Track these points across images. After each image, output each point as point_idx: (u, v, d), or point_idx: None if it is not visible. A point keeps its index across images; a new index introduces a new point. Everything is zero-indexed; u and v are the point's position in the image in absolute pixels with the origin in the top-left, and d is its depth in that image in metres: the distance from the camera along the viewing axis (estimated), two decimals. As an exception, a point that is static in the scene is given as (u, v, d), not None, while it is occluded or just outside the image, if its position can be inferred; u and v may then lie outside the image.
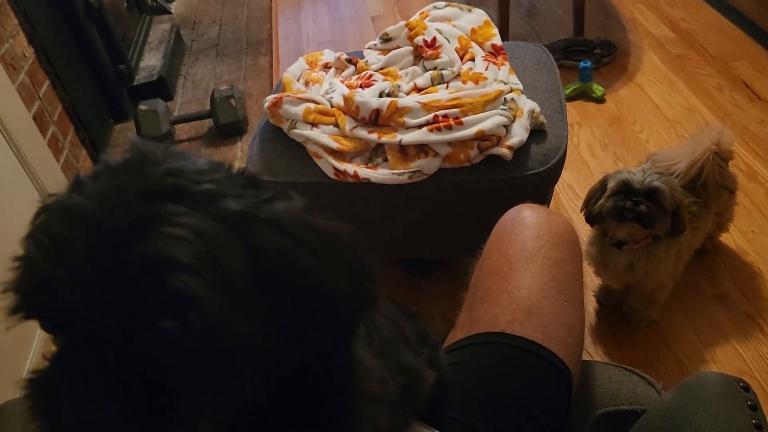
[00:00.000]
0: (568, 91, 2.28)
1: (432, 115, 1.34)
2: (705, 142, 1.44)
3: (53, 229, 0.40)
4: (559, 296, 0.85)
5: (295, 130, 1.41)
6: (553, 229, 0.92)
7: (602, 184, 1.39)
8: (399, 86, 1.46)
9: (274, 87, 2.50)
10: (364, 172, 1.34)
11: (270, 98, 1.46)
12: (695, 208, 1.44)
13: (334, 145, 1.37)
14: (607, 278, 1.54)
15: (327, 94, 1.49)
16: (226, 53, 2.90)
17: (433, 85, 1.47)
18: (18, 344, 1.64)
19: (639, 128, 2.17)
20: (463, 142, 1.32)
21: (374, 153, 1.38)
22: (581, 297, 0.90)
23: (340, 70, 1.63)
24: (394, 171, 1.33)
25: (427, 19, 1.64)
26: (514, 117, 1.37)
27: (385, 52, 1.62)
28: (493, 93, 1.37)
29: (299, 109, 1.43)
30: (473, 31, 1.60)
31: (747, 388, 0.70)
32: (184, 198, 0.41)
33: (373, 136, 1.36)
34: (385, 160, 1.36)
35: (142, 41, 2.74)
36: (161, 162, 0.43)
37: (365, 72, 1.55)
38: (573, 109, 2.27)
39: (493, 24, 1.62)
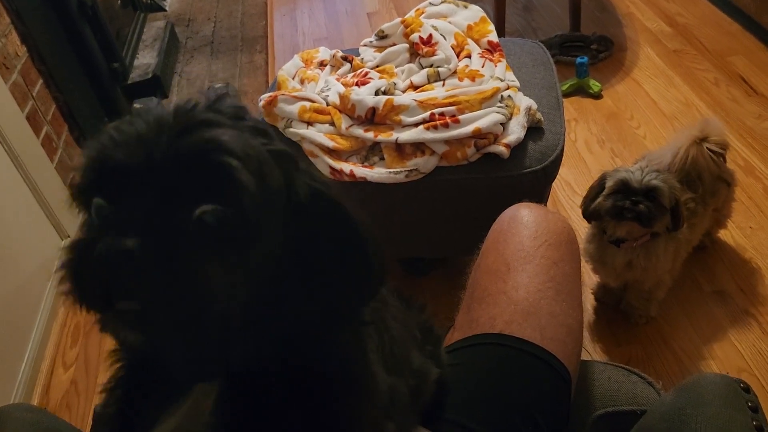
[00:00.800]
0: (564, 87, 2.27)
1: (428, 113, 1.33)
2: (688, 131, 1.44)
3: (133, 122, 0.45)
4: (557, 296, 0.85)
5: (291, 129, 1.40)
6: (550, 229, 0.92)
7: (600, 183, 1.38)
8: (395, 84, 1.45)
9: (269, 84, 2.49)
10: (361, 171, 1.33)
11: (265, 97, 1.45)
12: (693, 204, 1.43)
13: (330, 143, 1.36)
14: (605, 276, 1.53)
15: (323, 92, 1.48)
16: (221, 51, 2.88)
17: (429, 82, 1.46)
18: (13, 346, 1.63)
19: (636, 124, 2.16)
20: (460, 140, 1.32)
21: (371, 152, 1.37)
22: (579, 297, 0.89)
23: (335, 67, 1.62)
24: (391, 170, 1.32)
25: (423, 15, 1.63)
26: (511, 114, 1.36)
27: (380, 49, 1.62)
28: (489, 90, 1.36)
29: (294, 108, 1.42)
30: (469, 27, 1.59)
31: (747, 390, 0.69)
32: (242, 122, 0.47)
33: (370, 135, 1.35)
34: (382, 158, 1.35)
35: (137, 39, 2.73)
36: (231, 99, 0.49)
37: (361, 70, 1.54)
38: (570, 105, 2.26)
39: (489, 20, 1.61)
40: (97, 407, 0.98)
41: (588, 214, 1.41)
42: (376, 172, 1.32)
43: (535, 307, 0.83)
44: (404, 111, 1.35)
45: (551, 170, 1.36)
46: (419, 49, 1.52)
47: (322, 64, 1.64)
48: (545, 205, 1.54)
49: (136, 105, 2.22)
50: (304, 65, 1.64)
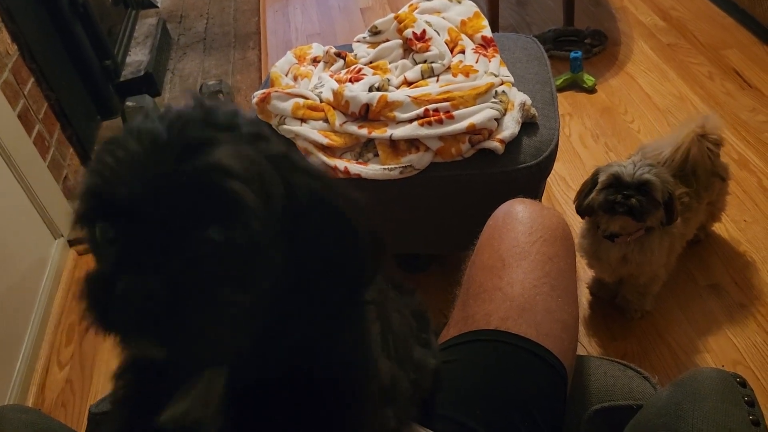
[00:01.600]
0: (558, 82, 2.27)
1: (422, 109, 1.33)
2: (690, 127, 1.44)
3: (127, 145, 0.44)
4: (552, 292, 0.85)
5: (284, 126, 1.40)
6: (545, 225, 0.92)
7: (593, 178, 1.38)
8: (389, 80, 1.45)
9: (262, 81, 2.48)
10: (355, 167, 1.32)
11: (258, 94, 1.44)
12: (687, 198, 1.43)
13: (324, 140, 1.36)
14: (600, 271, 1.53)
15: (316, 88, 1.47)
16: (213, 47, 2.87)
17: (423, 78, 1.46)
18: (8, 345, 1.63)
19: (630, 118, 2.16)
20: (455, 136, 1.31)
21: (365, 148, 1.37)
22: (575, 292, 0.89)
23: (329, 64, 1.61)
24: (385, 166, 1.32)
25: (417, 11, 1.62)
26: (505, 110, 1.36)
27: (374, 45, 1.61)
28: (483, 86, 1.36)
29: (288, 105, 1.41)
30: (463, 23, 1.58)
31: (744, 384, 0.69)
32: (237, 131, 0.47)
33: (364, 131, 1.35)
34: (376, 155, 1.35)
35: (128, 36, 2.71)
36: (220, 104, 0.49)
37: (354, 66, 1.54)
38: (564, 100, 2.26)
39: (482, 15, 1.61)
40: (92, 407, 0.98)
41: (581, 209, 1.41)
42: (371, 169, 1.32)
43: (531, 303, 0.83)
44: (398, 107, 1.34)
45: (546, 165, 1.36)
46: (413, 45, 1.51)
47: (315, 61, 1.64)
48: (540, 200, 1.54)
49: (129, 103, 2.21)
50: (297, 62, 1.63)
